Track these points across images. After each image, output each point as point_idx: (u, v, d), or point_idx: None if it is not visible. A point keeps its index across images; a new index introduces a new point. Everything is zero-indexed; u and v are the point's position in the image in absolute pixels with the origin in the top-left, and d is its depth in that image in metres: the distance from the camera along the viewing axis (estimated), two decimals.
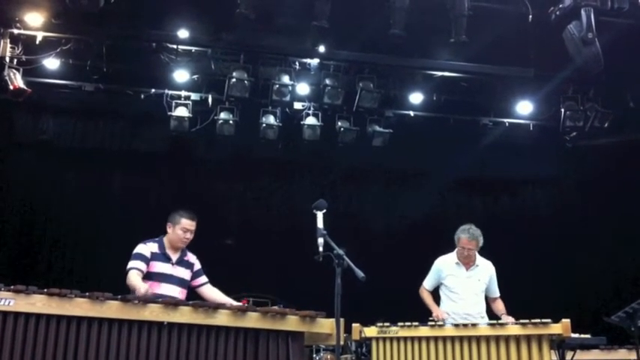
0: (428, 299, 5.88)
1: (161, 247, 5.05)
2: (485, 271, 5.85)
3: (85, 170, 9.10)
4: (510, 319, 5.36)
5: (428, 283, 5.95)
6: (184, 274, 5.09)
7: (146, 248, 4.99)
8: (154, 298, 4.24)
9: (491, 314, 5.78)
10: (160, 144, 9.29)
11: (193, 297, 5.03)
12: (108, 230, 8.79)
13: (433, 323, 5.14)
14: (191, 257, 5.21)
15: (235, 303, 4.90)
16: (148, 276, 4.92)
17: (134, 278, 4.75)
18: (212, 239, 7.78)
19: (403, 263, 8.50)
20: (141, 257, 4.92)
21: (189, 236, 5.10)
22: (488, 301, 5.90)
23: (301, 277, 7.71)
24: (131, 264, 4.87)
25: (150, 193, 9.28)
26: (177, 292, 4.97)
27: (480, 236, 5.74)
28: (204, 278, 5.23)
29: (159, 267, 4.97)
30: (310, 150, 9.25)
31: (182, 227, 5.07)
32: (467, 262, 5.80)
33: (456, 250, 5.85)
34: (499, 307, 5.81)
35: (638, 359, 5.33)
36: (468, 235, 5.72)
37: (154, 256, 4.98)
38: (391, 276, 8.19)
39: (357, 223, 9.87)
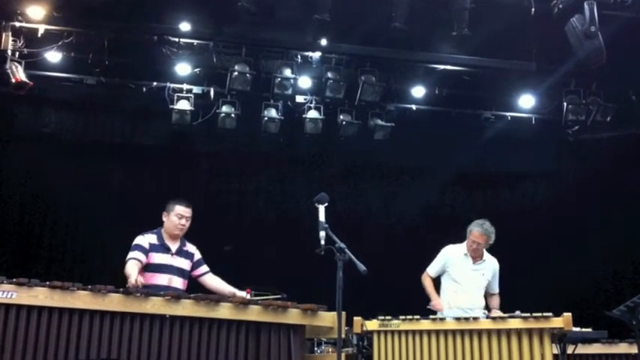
0: (429, 287, 5.95)
1: (159, 238, 5.08)
2: (491, 267, 5.93)
3: (87, 163, 9.09)
4: (499, 313, 5.43)
5: (432, 270, 6.01)
6: (184, 264, 5.12)
7: (144, 239, 5.02)
8: (147, 291, 4.25)
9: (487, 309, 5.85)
10: (162, 137, 9.28)
11: (195, 287, 5.04)
12: (109, 223, 8.79)
13: (434, 317, 5.15)
14: (190, 247, 5.23)
15: (238, 292, 4.93)
16: (148, 267, 4.94)
17: (130, 267, 4.77)
18: (212, 232, 7.77)
19: (404, 257, 8.50)
20: (139, 248, 4.95)
21: (185, 222, 5.11)
22: (486, 296, 5.97)
23: (303, 270, 7.72)
24: (130, 255, 4.91)
25: (151, 187, 9.28)
26: (178, 283, 4.99)
27: (493, 234, 5.80)
28: (205, 267, 5.26)
29: (158, 258, 5.00)
30: (312, 143, 9.24)
31: (176, 213, 5.09)
32: (475, 256, 5.85)
33: (466, 241, 5.88)
34: (493, 302, 5.89)
35: (639, 353, 5.34)
36: (481, 229, 5.78)
37: (153, 247, 5.00)
38: (393, 270, 8.20)
39: (358, 216, 9.87)
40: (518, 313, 5.14)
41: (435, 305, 5.67)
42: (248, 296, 4.95)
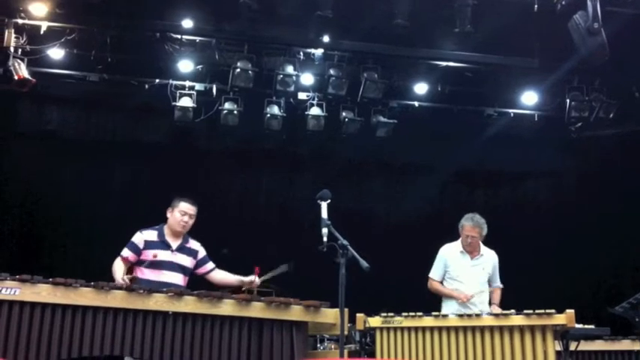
0: (441, 288, 5.85)
1: (160, 234, 5.09)
2: (490, 260, 5.89)
3: (89, 160, 9.11)
4: (497, 310, 5.45)
5: (436, 274, 5.91)
6: (185, 261, 5.13)
7: (141, 237, 5.05)
8: (150, 287, 4.27)
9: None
10: (164, 134, 9.29)
11: (202, 284, 5.06)
12: (111, 220, 8.80)
13: (437, 314, 5.14)
14: (194, 244, 5.24)
15: (246, 278, 4.96)
16: (148, 263, 4.96)
17: (116, 267, 4.85)
18: (214, 229, 7.78)
19: (407, 253, 8.51)
20: (132, 246, 5.01)
21: (187, 220, 5.13)
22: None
23: (305, 267, 7.72)
24: (122, 252, 4.98)
25: (154, 184, 9.29)
26: (178, 279, 5.01)
27: (484, 225, 5.75)
28: (211, 264, 5.28)
29: (158, 254, 5.00)
30: (314, 140, 9.24)
31: (180, 210, 5.11)
32: (471, 251, 5.82)
33: (460, 238, 5.86)
34: (495, 296, 5.86)
35: None
36: (472, 222, 5.74)
37: (151, 245, 5.02)
38: (395, 266, 8.20)
39: (361, 213, 9.87)
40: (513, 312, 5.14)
41: (466, 297, 5.60)
42: (256, 279, 5.05)
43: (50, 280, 4.01)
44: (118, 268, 4.82)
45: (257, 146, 9.50)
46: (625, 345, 6.39)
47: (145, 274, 4.95)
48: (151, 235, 5.07)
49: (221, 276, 5.25)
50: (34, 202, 9.08)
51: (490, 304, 5.81)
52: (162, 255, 5.02)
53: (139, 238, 5.04)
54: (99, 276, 4.34)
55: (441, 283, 5.91)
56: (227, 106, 8.60)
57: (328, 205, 4.26)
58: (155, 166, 9.39)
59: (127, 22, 7.97)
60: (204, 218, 5.42)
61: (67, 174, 9.08)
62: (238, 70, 8.26)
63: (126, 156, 9.36)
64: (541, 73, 8.74)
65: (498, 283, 5.96)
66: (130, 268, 5.02)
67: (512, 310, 4.91)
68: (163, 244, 5.07)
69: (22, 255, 8.69)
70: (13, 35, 7.68)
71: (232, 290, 5.04)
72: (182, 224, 5.11)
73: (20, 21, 7.68)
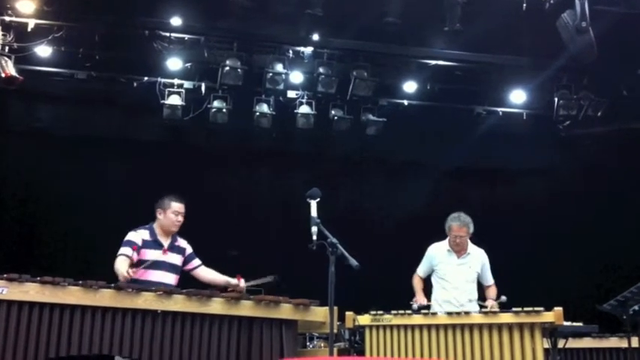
0: (416, 285, 5.98)
1: (152, 234, 5.07)
2: (477, 259, 5.89)
3: (79, 158, 9.04)
4: (492, 303, 5.49)
5: (421, 270, 6.03)
6: (176, 259, 5.12)
7: (137, 235, 5.01)
8: (139, 286, 4.25)
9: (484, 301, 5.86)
10: (153, 132, 9.24)
11: (189, 281, 5.04)
12: (101, 218, 8.73)
13: (426, 312, 5.17)
14: (182, 242, 5.24)
15: (232, 280, 4.95)
16: (141, 264, 4.93)
17: (119, 264, 4.77)
18: (205, 227, 7.75)
19: (397, 252, 8.52)
20: (131, 244, 4.94)
21: (181, 219, 5.14)
22: (483, 288, 5.96)
23: (295, 265, 7.72)
24: (120, 251, 4.90)
25: (143, 182, 9.23)
26: (171, 279, 4.99)
27: (470, 223, 5.78)
28: (197, 261, 5.27)
29: (150, 254, 4.98)
30: (304, 138, 9.23)
31: (173, 211, 5.10)
32: (458, 250, 5.84)
33: (448, 238, 5.88)
34: (490, 293, 5.87)
35: (630, 347, 5.38)
36: (459, 222, 5.76)
37: (146, 244, 5.00)
38: (385, 264, 8.22)
39: (351, 211, 9.87)
40: (503, 298, 5.17)
41: (417, 300, 5.70)
42: (242, 282, 5.06)
43: (38, 278, 4.00)
44: (122, 265, 4.75)
45: (247, 144, 9.47)
46: (613, 342, 6.44)
47: (139, 274, 4.92)
48: (144, 234, 5.05)
49: (208, 275, 5.23)
50: (25, 199, 9.02)
51: (485, 299, 5.83)
52: (156, 255, 5.00)
53: (136, 236, 4.99)
54: (93, 273, 4.32)
55: (423, 279, 6.01)
56: (216, 104, 8.58)
57: (318, 203, 4.25)
58: (145, 164, 9.32)
59: (115, 20, 7.93)
60: (196, 217, 5.40)
61: (56, 171, 9.00)
62: (227, 67, 8.24)
63: (115, 153, 9.29)
64: (530, 71, 8.78)
65: (491, 281, 5.96)
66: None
67: (502, 298, 4.93)
68: (156, 244, 5.05)
69: (16, 254, 8.59)
70: (0, 32, 7.63)
71: (221, 289, 5.02)
72: (177, 224, 5.12)
73: (7, 18, 7.63)
